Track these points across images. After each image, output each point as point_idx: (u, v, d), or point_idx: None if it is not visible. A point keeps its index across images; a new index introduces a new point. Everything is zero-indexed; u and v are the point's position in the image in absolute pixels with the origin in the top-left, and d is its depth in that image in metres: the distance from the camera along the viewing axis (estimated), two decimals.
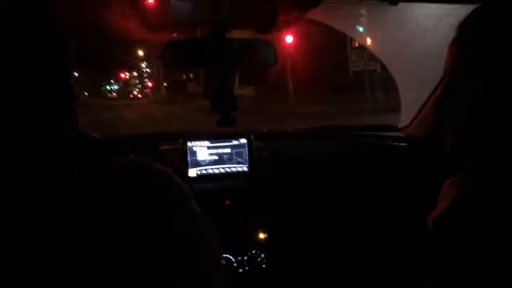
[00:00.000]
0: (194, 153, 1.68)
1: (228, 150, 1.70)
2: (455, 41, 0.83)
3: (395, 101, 2.55)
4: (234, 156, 1.70)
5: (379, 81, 13.13)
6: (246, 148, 1.71)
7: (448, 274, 0.74)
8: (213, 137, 1.70)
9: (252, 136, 1.73)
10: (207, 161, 1.68)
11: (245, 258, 1.65)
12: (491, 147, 0.77)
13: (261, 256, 1.66)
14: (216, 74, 1.40)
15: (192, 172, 1.67)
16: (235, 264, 1.64)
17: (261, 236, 1.68)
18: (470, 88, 0.77)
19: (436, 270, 0.77)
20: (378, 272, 1.69)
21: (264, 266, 1.67)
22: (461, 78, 0.79)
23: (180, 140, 1.68)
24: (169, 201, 0.62)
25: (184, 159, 1.66)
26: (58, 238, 0.56)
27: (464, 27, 0.82)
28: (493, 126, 0.76)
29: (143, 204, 0.60)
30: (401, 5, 1.27)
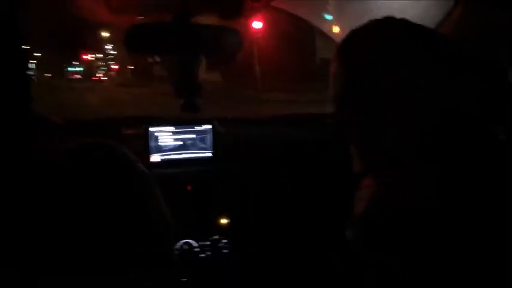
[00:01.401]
0: (156, 138, 1.67)
1: (192, 135, 1.70)
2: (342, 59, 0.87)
3: None
4: (197, 142, 1.70)
5: None
6: (210, 134, 1.71)
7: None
8: (176, 122, 1.69)
9: (216, 122, 1.73)
10: (170, 147, 1.68)
11: (207, 243, 1.66)
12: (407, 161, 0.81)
13: (222, 242, 1.68)
14: (180, 60, 1.39)
15: (155, 157, 1.67)
16: (197, 249, 1.65)
17: (224, 221, 1.69)
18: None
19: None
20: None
21: (226, 251, 1.68)
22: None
23: (143, 125, 1.67)
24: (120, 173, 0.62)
25: (147, 144, 1.65)
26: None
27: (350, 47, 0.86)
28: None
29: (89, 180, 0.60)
30: None
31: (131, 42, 1.27)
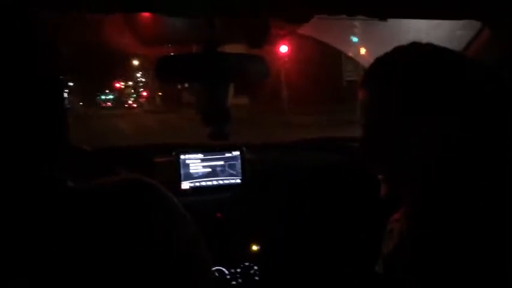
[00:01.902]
0: (187, 166, 1.69)
1: (221, 162, 1.71)
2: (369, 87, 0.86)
3: None
4: (226, 169, 1.72)
5: None
6: (239, 160, 1.72)
7: None
8: (206, 149, 1.71)
9: (244, 148, 1.74)
10: (200, 174, 1.70)
11: (238, 270, 1.65)
12: (429, 188, 0.79)
13: (253, 268, 1.67)
14: (208, 88, 1.41)
15: (185, 185, 1.68)
16: (228, 277, 1.64)
17: (254, 248, 1.68)
18: (401, 134, 0.80)
19: None
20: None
21: (256, 278, 1.67)
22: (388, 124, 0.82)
23: (173, 153, 1.69)
24: (161, 211, 0.62)
25: (178, 172, 1.67)
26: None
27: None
28: (430, 168, 0.78)
29: (132, 218, 0.60)
30: (391, 20, 1.29)
31: (162, 73, 1.30)
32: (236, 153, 1.73)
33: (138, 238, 0.58)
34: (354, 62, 14.57)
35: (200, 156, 1.70)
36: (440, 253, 0.71)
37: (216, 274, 1.63)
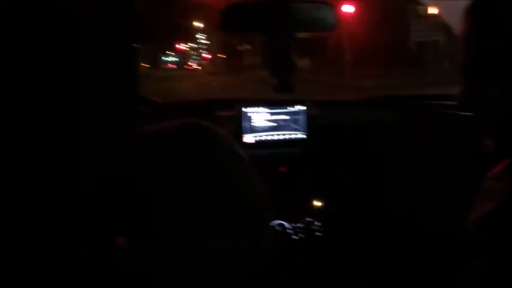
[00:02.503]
0: (250, 119, 1.67)
1: (285, 117, 1.68)
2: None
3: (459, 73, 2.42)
4: (290, 123, 1.69)
5: (443, 53, 12.56)
6: (304, 115, 1.69)
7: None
8: (270, 103, 1.69)
9: (309, 103, 1.70)
10: (263, 128, 1.68)
11: (299, 225, 1.65)
12: None
13: (315, 224, 1.65)
14: (275, 38, 1.37)
15: (248, 138, 1.67)
16: (289, 231, 1.64)
17: (317, 204, 1.66)
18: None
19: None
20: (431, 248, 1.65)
21: (318, 234, 1.66)
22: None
23: (236, 106, 1.68)
24: (215, 150, 0.62)
25: (240, 125, 1.66)
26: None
27: None
28: None
29: (205, 161, 0.61)
30: None
31: (228, 22, 1.27)
32: (301, 107, 1.69)
33: (195, 173, 0.58)
34: (422, 21, 13.85)
35: (263, 109, 1.68)
36: None
37: (278, 228, 1.63)
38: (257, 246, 0.62)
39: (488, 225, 0.71)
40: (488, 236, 0.71)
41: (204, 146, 0.61)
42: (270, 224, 1.59)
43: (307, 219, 1.65)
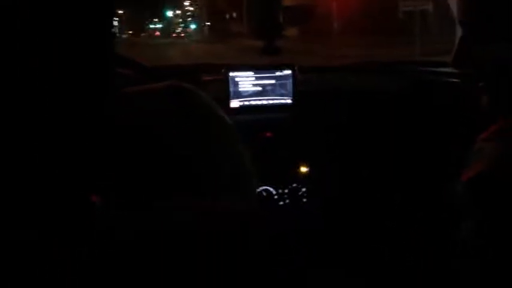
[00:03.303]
0: (237, 83, 1.64)
1: (272, 81, 1.65)
2: None
3: (448, 44, 2.40)
4: (277, 88, 1.66)
5: (431, 22, 12.49)
6: (291, 80, 1.66)
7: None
8: (256, 67, 1.65)
9: (296, 68, 1.67)
10: (250, 92, 1.65)
11: (286, 191, 1.64)
12: None
13: (301, 190, 1.65)
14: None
15: (235, 103, 1.65)
16: (275, 197, 1.63)
17: (303, 169, 1.65)
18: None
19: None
20: (418, 212, 1.66)
21: (304, 200, 1.65)
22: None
23: (223, 70, 1.64)
24: (196, 111, 0.61)
25: (227, 89, 1.63)
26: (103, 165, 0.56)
27: None
28: None
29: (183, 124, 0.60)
30: None
31: None
32: (287, 72, 1.66)
33: (176, 133, 0.58)
34: None
35: (250, 74, 1.64)
36: None
37: (264, 194, 1.62)
38: (244, 205, 0.61)
39: (477, 186, 0.71)
40: (476, 196, 0.71)
41: (185, 106, 0.60)
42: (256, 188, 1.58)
43: (293, 184, 1.65)
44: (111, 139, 0.56)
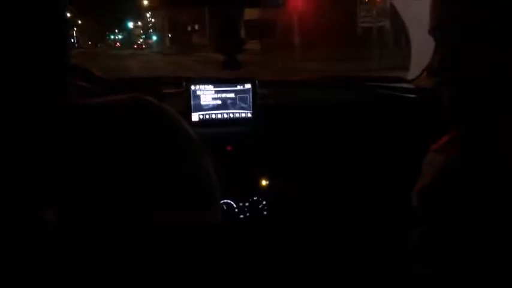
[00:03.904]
0: (198, 97, 1.64)
1: (232, 95, 1.66)
2: None
3: (405, 59, 2.48)
4: (237, 102, 1.67)
5: (388, 38, 12.86)
6: (251, 93, 1.67)
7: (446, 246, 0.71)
8: (217, 81, 1.66)
9: (256, 82, 1.69)
10: (210, 106, 1.65)
11: (246, 204, 1.64)
12: (481, 118, 0.72)
13: (262, 203, 1.66)
14: (221, 14, 1.35)
15: (195, 116, 1.64)
16: (236, 210, 1.63)
17: (263, 183, 1.66)
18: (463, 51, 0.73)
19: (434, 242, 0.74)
20: (380, 223, 1.69)
21: (265, 213, 1.66)
22: (453, 38, 0.74)
23: (184, 83, 1.64)
24: (159, 124, 0.61)
25: (188, 103, 1.63)
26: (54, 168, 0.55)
27: None
28: (484, 96, 0.72)
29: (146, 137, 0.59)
30: None
31: None
32: (248, 85, 1.67)
33: (139, 147, 0.56)
34: (369, 7, 14.09)
35: (211, 87, 1.65)
36: (484, 192, 0.66)
37: (224, 207, 1.62)
38: (209, 217, 0.61)
39: (424, 197, 0.74)
40: (424, 207, 0.73)
41: (147, 120, 0.59)
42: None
43: (254, 198, 1.65)
44: (60, 149, 0.55)
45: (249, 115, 1.68)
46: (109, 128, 0.58)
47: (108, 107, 0.61)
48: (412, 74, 1.98)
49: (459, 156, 0.73)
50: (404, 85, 1.92)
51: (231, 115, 1.67)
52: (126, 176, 0.55)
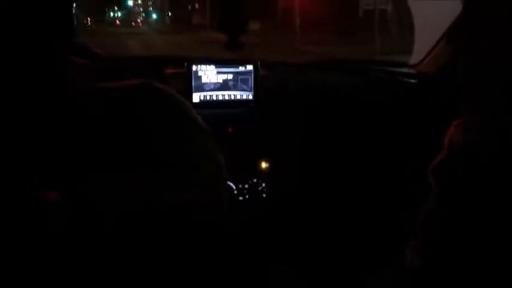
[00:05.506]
0: (199, 77, 1.63)
1: (234, 76, 1.65)
2: None
3: (407, 43, 2.47)
4: (239, 83, 1.66)
5: (390, 21, 12.74)
6: (252, 75, 1.66)
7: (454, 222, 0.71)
8: (219, 61, 1.65)
9: (258, 63, 1.67)
10: (212, 86, 1.64)
11: (246, 186, 1.65)
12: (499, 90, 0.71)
13: (261, 185, 1.66)
14: None
15: (196, 97, 1.63)
16: (235, 192, 1.63)
17: (263, 165, 1.67)
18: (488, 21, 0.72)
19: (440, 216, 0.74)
20: (380, 210, 1.70)
21: (264, 195, 1.67)
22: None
23: (185, 64, 1.63)
24: (169, 112, 0.62)
25: (189, 83, 1.62)
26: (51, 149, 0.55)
27: None
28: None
29: (142, 116, 0.60)
30: None
31: None
32: (250, 67, 1.66)
33: (149, 132, 0.59)
34: None
35: (213, 67, 1.63)
36: (498, 177, 0.66)
37: None
38: (215, 198, 0.63)
39: (438, 173, 0.74)
40: (436, 182, 0.73)
41: (157, 108, 0.62)
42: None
43: (253, 180, 1.65)
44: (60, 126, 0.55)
45: (250, 97, 1.67)
46: (119, 114, 0.58)
47: (120, 90, 0.61)
48: (414, 58, 1.97)
49: (478, 136, 0.72)
50: (406, 70, 1.92)
51: (232, 96, 1.66)
52: (136, 156, 0.56)
